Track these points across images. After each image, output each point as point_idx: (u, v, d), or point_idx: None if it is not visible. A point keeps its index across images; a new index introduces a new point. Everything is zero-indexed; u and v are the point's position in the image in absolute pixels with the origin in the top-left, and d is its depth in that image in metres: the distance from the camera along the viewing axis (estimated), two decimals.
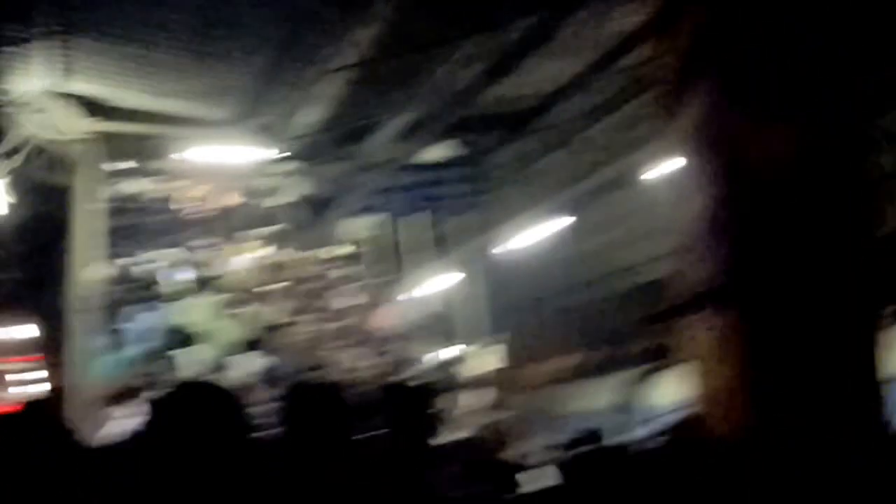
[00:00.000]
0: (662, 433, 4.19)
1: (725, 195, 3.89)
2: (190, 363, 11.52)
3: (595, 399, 13.62)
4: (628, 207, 14.52)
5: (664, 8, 4.68)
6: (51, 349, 22.21)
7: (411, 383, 4.75)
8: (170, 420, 2.51)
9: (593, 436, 4.80)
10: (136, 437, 3.08)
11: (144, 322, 12.16)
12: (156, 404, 2.59)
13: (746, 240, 3.76)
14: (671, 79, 4.59)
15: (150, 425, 2.55)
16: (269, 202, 17.49)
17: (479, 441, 5.31)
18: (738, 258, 3.74)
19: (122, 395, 10.87)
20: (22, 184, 13.43)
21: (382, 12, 9.13)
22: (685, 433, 4.04)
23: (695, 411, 4.06)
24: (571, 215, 14.31)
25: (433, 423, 3.94)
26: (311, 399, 2.96)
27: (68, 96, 12.09)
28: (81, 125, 12.45)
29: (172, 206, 16.77)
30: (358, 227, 15.70)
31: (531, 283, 17.48)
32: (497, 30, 9.63)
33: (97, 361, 11.92)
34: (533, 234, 14.35)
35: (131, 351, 11.44)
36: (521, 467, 5.87)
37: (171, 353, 11.62)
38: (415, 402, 3.96)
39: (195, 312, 12.19)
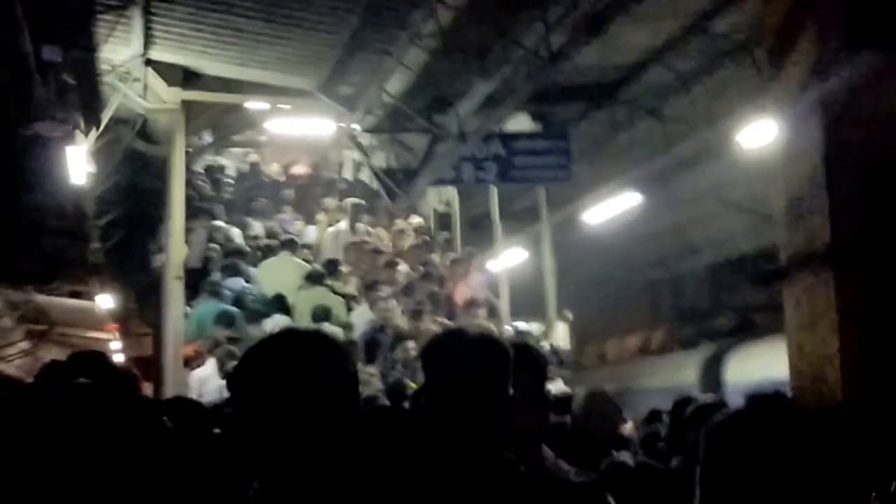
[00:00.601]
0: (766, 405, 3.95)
1: (844, 152, 3.67)
2: (276, 327, 11.37)
3: (679, 374, 13.37)
4: (718, 179, 14.20)
5: None
6: (136, 317, 22.66)
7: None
8: (274, 366, 2.23)
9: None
10: (230, 385, 2.89)
11: (232, 287, 12.18)
12: (257, 350, 2.31)
13: (867, 197, 3.54)
14: (773, 38, 4.38)
15: (250, 372, 2.28)
16: (351, 172, 17.51)
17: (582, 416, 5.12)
18: (859, 216, 3.53)
19: (208, 353, 10.91)
20: (112, 153, 13.60)
21: None
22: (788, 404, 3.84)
23: (799, 382, 3.87)
24: (656, 188, 14.06)
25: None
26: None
27: (159, 65, 12.17)
28: (172, 94, 12.52)
29: (258, 176, 16.88)
30: (439, 198, 15.61)
31: (612, 257, 17.27)
32: None
33: (189, 323, 11.98)
34: (615, 208, 14.11)
35: (220, 313, 11.42)
36: (625, 443, 5.68)
37: (257, 316, 11.61)
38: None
39: (280, 279, 12.19)
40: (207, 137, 16.20)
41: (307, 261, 12.85)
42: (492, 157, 13.06)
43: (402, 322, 11.52)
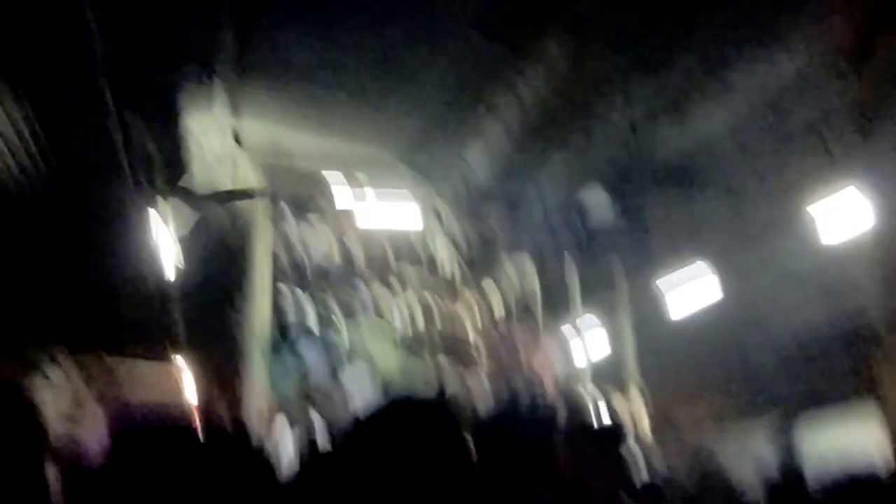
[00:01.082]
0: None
1: None
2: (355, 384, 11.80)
3: (749, 443, 13.08)
4: (788, 252, 14.01)
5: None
6: (213, 384, 22.80)
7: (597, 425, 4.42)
8: (385, 440, 2.12)
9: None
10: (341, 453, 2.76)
11: (308, 346, 12.33)
12: (369, 422, 2.21)
13: None
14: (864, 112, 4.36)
15: (359, 443, 2.19)
16: (431, 242, 17.58)
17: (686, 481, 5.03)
18: None
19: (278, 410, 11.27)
20: (198, 223, 13.82)
21: (554, 53, 9.04)
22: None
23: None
24: (728, 260, 13.91)
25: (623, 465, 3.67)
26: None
27: (244, 137, 12.41)
28: (257, 167, 12.73)
29: (337, 246, 17.02)
30: (519, 267, 15.58)
31: (683, 326, 17.05)
32: (665, 70, 9.44)
33: (271, 384, 12.16)
34: (688, 278, 13.97)
35: (292, 370, 11.52)
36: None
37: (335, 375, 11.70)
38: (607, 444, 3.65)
39: (369, 342, 12.37)
40: (286, 206, 16.41)
41: (388, 327, 12.96)
42: (569, 228, 13.07)
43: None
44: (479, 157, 11.31)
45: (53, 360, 21.06)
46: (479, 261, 13.02)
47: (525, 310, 14.43)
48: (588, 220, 13.23)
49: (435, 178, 12.17)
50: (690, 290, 14.27)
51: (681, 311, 15.26)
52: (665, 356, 17.49)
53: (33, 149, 12.29)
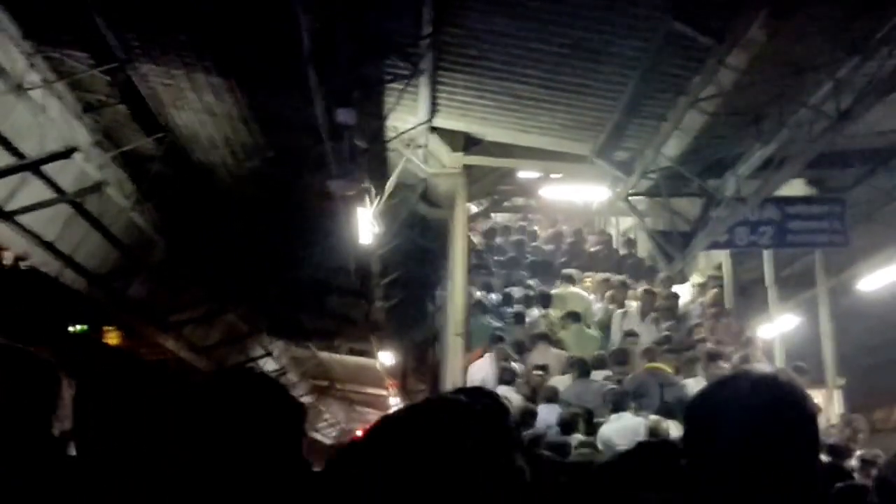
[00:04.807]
0: None
1: None
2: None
3: None
4: None
5: None
6: (413, 374, 22.96)
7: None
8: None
9: None
10: None
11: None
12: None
13: None
14: None
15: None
16: (622, 237, 17.07)
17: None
18: None
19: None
20: (395, 215, 13.81)
21: (757, 39, 8.38)
22: None
23: None
24: None
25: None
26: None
27: (442, 131, 12.25)
28: (453, 160, 12.55)
29: (526, 241, 16.73)
30: (708, 263, 14.88)
31: (885, 325, 15.85)
32: (874, 52, 8.63)
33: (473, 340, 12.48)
34: (891, 275, 12.91)
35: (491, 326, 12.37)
36: None
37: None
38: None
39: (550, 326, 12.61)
40: (486, 200, 16.28)
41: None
42: (766, 221, 12.31)
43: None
44: (676, 149, 10.70)
45: (268, 353, 21.81)
46: (675, 256, 12.38)
47: (720, 306, 13.68)
48: (787, 212, 12.45)
49: (631, 172, 11.61)
50: (893, 286, 13.16)
51: (885, 309, 14.17)
52: (866, 357, 16.33)
53: (249, 143, 12.59)
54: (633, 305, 13.03)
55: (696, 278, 13.99)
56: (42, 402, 2.34)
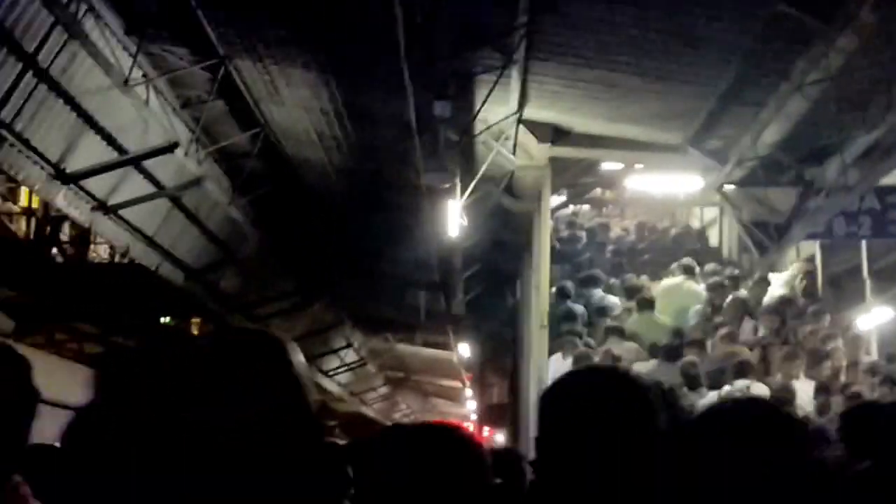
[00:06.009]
0: None
1: None
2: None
3: None
4: None
5: None
6: (489, 367, 22.72)
7: None
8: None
9: None
10: None
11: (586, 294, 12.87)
12: None
13: None
14: None
15: None
16: (713, 228, 16.57)
17: None
18: None
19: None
20: (480, 208, 13.52)
21: (867, 19, 7.92)
22: None
23: None
24: None
25: None
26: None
27: (530, 123, 11.91)
28: (541, 151, 12.21)
29: (608, 233, 16.36)
30: (800, 254, 14.34)
31: None
32: None
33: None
34: None
35: (566, 310, 12.33)
36: None
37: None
38: None
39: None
40: (572, 192, 15.98)
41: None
42: (865, 211, 11.80)
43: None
44: (775, 137, 10.23)
45: (349, 344, 21.73)
46: (769, 246, 11.90)
47: (813, 297, 13.15)
48: (888, 202, 11.90)
49: (724, 161, 11.17)
50: None
51: None
52: None
53: (340, 137, 12.41)
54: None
55: (791, 269, 13.46)
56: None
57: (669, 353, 11.09)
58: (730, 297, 12.12)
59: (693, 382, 10.17)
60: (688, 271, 13.11)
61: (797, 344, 11.25)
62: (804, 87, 8.93)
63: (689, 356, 10.78)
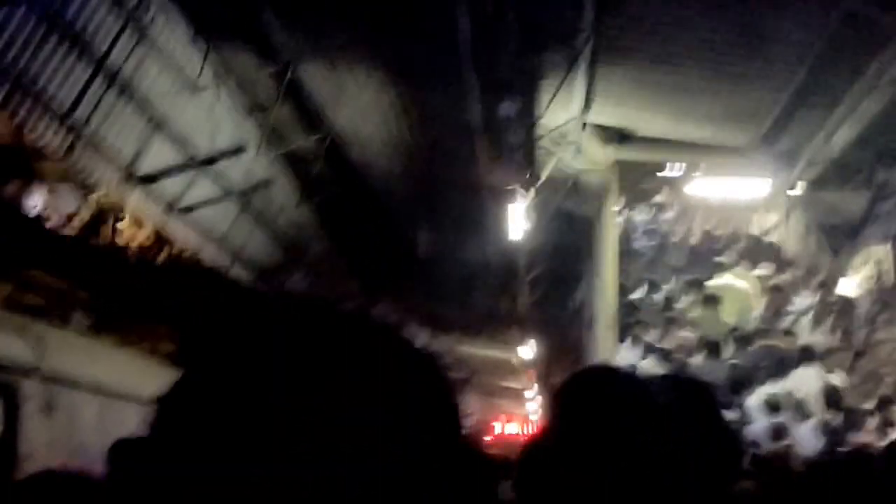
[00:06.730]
0: None
1: None
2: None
3: None
4: None
5: None
6: (552, 367, 22.43)
7: None
8: None
9: None
10: None
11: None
12: None
13: None
14: None
15: None
16: (777, 231, 16.08)
17: None
18: None
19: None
20: (543, 211, 13.28)
21: None
22: None
23: None
24: None
25: None
26: None
27: (594, 126, 11.65)
28: (605, 155, 11.94)
29: (681, 235, 16.03)
30: (870, 256, 13.82)
31: None
32: None
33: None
34: None
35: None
36: None
37: None
38: None
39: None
40: (637, 194, 15.70)
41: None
42: None
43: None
44: (847, 138, 9.84)
45: None
46: (839, 249, 11.47)
47: (885, 301, 12.65)
48: None
49: (794, 163, 10.78)
50: None
51: None
52: None
53: (404, 140, 12.27)
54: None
55: (864, 271, 12.98)
56: None
57: (715, 349, 11.18)
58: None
59: (737, 379, 10.15)
60: (751, 272, 13.04)
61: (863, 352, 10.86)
62: (879, 86, 8.55)
63: (734, 354, 10.69)
